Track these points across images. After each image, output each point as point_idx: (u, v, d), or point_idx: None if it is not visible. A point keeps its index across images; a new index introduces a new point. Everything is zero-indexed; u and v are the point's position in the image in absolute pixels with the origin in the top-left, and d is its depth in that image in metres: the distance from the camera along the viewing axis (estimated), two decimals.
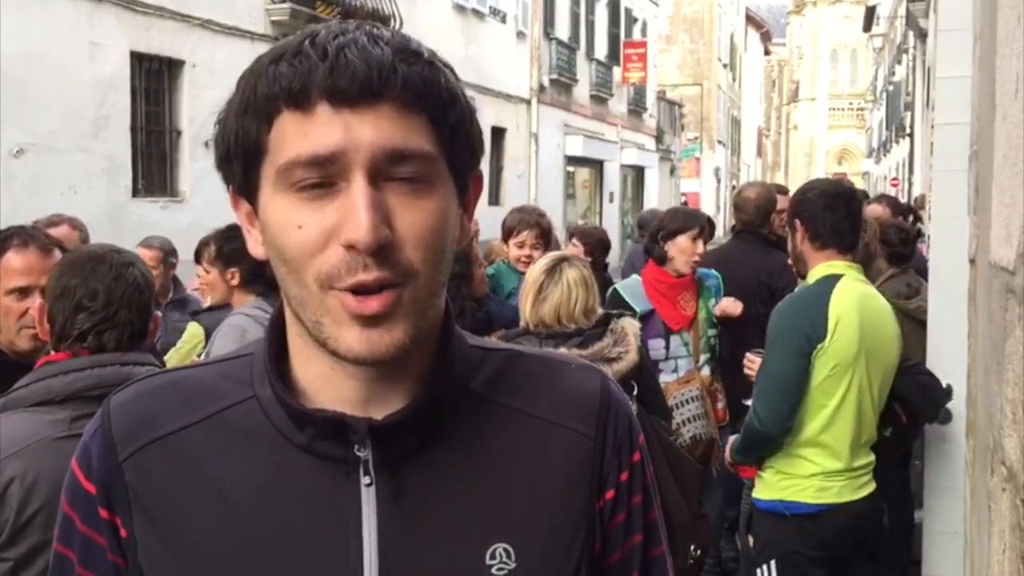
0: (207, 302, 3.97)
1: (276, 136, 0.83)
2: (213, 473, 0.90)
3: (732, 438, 3.39)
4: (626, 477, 0.98)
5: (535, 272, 3.06)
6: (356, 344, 0.83)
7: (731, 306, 4.20)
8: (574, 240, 5.94)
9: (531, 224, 4.67)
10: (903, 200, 14.73)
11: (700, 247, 4.06)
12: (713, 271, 4.32)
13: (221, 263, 3.48)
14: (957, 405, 3.38)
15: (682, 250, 4.01)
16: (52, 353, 1.98)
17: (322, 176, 0.82)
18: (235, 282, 3.47)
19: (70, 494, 0.95)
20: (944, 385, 3.42)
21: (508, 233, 4.74)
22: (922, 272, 5.03)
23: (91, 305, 1.96)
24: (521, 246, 4.64)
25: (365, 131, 0.81)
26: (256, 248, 0.91)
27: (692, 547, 3.05)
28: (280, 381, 0.90)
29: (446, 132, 0.86)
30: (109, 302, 1.96)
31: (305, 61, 0.81)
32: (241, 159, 0.86)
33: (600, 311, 3.07)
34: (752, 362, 3.52)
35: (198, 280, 3.76)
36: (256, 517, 0.89)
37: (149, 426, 0.92)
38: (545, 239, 4.67)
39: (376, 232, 0.80)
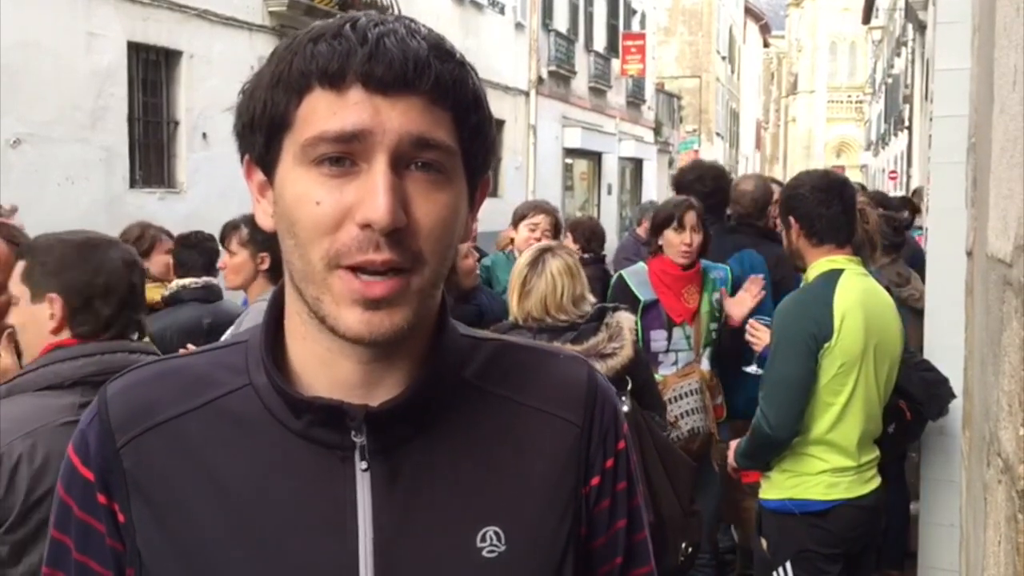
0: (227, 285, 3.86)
1: (305, 111, 0.85)
2: (210, 460, 0.92)
3: (734, 443, 3.37)
4: (611, 464, 1.01)
5: (519, 265, 3.03)
6: (355, 324, 0.85)
7: (735, 307, 4.11)
8: (566, 234, 5.96)
9: (548, 212, 4.68)
10: (901, 192, 14.77)
11: (687, 237, 3.92)
12: (722, 264, 4.28)
13: (253, 246, 3.46)
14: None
15: (670, 243, 3.96)
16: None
17: (345, 152, 0.83)
18: (265, 266, 3.45)
19: (66, 480, 0.96)
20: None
21: (520, 217, 4.70)
22: (910, 261, 5.11)
23: (101, 294, 1.98)
24: (533, 229, 4.62)
25: (393, 117, 0.83)
26: (265, 220, 0.93)
27: (683, 544, 3.03)
28: (275, 368, 0.92)
29: (467, 132, 0.89)
30: (109, 288, 1.99)
31: (345, 43, 0.83)
32: (265, 130, 0.88)
33: (592, 300, 3.03)
34: (757, 329, 3.50)
35: (222, 262, 3.69)
36: (253, 502, 0.90)
37: (147, 413, 0.93)
38: (555, 231, 4.68)
39: (394, 214, 0.82)
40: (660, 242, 3.99)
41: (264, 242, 3.37)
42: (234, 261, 3.55)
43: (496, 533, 0.93)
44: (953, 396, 3.34)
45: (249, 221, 3.47)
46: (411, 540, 0.91)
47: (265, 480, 0.90)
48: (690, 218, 3.91)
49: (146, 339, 2.14)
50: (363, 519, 0.90)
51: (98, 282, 1.97)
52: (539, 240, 4.53)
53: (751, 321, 3.58)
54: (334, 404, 0.89)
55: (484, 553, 0.92)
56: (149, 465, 0.92)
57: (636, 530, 1.05)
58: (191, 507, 0.90)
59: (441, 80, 0.85)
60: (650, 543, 1.08)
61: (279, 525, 0.89)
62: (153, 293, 4.85)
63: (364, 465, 0.90)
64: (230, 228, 3.63)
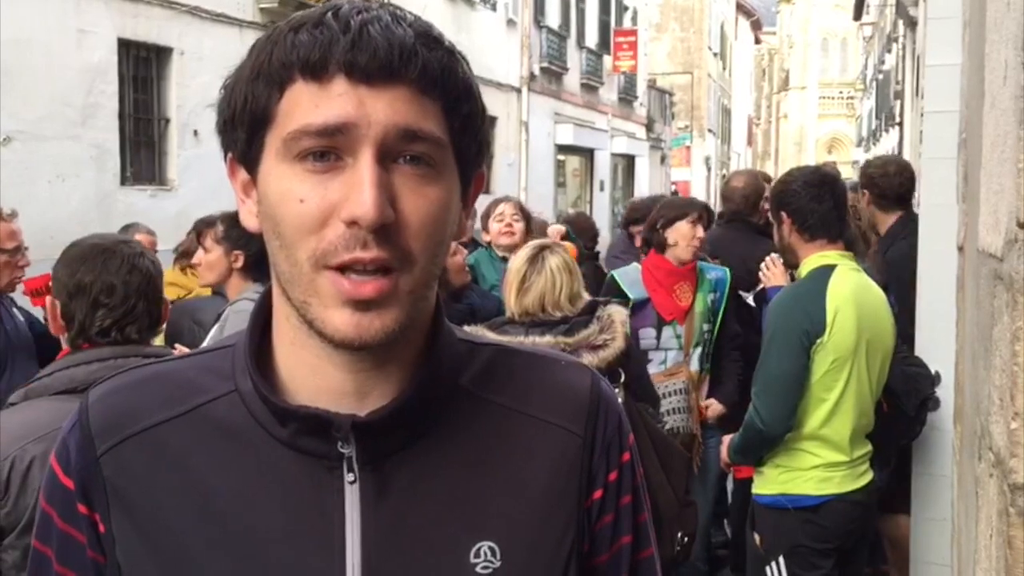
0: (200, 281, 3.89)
1: (287, 104, 0.81)
2: (194, 468, 0.88)
3: (727, 438, 3.38)
4: (615, 477, 0.97)
5: (517, 262, 3.02)
6: (344, 327, 0.82)
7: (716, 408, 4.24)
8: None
9: (507, 200, 4.72)
10: None
11: (700, 231, 4.06)
12: (722, 267, 4.29)
13: (228, 244, 3.43)
14: (945, 392, 3.39)
15: (683, 235, 4.01)
16: (67, 347, 2.00)
17: (329, 147, 0.80)
18: (238, 264, 3.42)
19: (48, 490, 0.93)
20: (933, 372, 3.43)
21: (486, 217, 4.75)
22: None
23: (109, 301, 1.96)
24: (501, 219, 4.64)
25: (379, 108, 0.80)
26: (250, 220, 0.89)
27: (679, 534, 3.04)
28: (261, 375, 0.89)
29: (458, 123, 0.85)
30: (127, 296, 1.97)
31: (326, 32, 0.79)
32: (247, 125, 0.84)
33: (586, 297, 3.04)
34: (774, 265, 3.57)
35: (196, 258, 3.68)
36: (237, 513, 0.87)
37: (128, 420, 0.90)
38: (524, 215, 4.69)
39: (380, 210, 0.78)
40: (667, 234, 4.00)
41: (238, 240, 3.36)
42: (208, 258, 3.53)
43: (491, 548, 0.89)
44: (932, 390, 3.36)
45: (225, 219, 3.46)
46: (401, 555, 0.87)
47: (250, 490, 0.87)
48: (704, 217, 4.12)
49: (158, 341, 2.13)
50: (351, 532, 0.86)
51: (95, 290, 1.97)
52: (510, 227, 4.58)
53: (771, 256, 3.63)
54: (320, 413, 0.85)
55: (478, 569, 0.88)
56: (130, 474, 0.89)
57: (642, 547, 1.00)
58: (173, 517, 0.87)
59: (429, 69, 0.81)
60: (657, 561, 1.03)
61: (263, 537, 0.86)
62: (195, 283, 4.84)
63: (351, 477, 0.86)
64: (205, 224, 3.61)
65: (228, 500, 0.87)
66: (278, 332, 0.91)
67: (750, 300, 3.91)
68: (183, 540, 0.87)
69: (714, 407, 4.18)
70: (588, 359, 2.78)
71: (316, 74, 0.80)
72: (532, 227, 4.82)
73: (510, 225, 4.62)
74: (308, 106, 0.80)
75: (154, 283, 2.03)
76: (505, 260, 4.56)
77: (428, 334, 0.92)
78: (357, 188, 0.79)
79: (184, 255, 4.88)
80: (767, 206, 4.77)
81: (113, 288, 1.96)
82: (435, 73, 0.82)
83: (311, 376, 0.88)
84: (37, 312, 3.67)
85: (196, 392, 0.91)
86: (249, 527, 0.87)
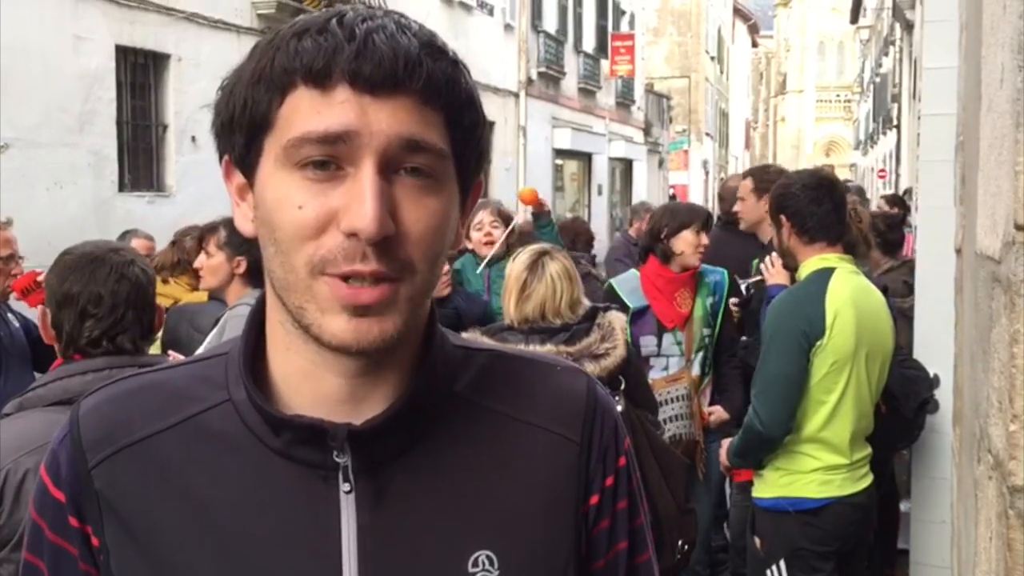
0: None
1: (287, 111, 0.80)
2: (188, 479, 0.87)
3: (726, 441, 3.37)
4: (611, 482, 0.96)
5: (517, 268, 2.98)
6: (341, 332, 0.81)
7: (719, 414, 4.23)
8: None
9: (485, 206, 4.69)
10: (891, 191, 14.85)
11: (704, 238, 4.07)
12: (720, 268, 4.30)
13: (230, 249, 3.44)
14: (944, 394, 3.40)
15: (688, 243, 4.02)
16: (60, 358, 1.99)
17: (330, 155, 0.79)
18: (241, 270, 3.42)
19: (38, 502, 0.92)
20: (931, 375, 3.43)
21: (468, 227, 4.74)
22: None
23: (96, 311, 1.95)
24: (480, 228, 4.63)
25: (381, 118, 0.79)
26: (245, 224, 0.89)
27: (680, 542, 3.03)
28: (255, 383, 0.87)
29: (460, 134, 0.85)
30: (115, 305, 1.96)
31: (331, 39, 0.78)
32: (245, 129, 0.83)
33: (586, 303, 3.02)
34: (775, 264, 3.58)
35: (199, 263, 3.68)
36: (232, 524, 0.86)
37: (120, 431, 0.89)
38: (504, 220, 4.67)
39: (381, 223, 0.78)
40: (672, 244, 4.00)
41: (241, 246, 3.37)
42: (210, 263, 3.53)
43: (488, 557, 0.88)
44: (930, 393, 3.36)
45: (228, 224, 3.45)
46: (398, 564, 0.86)
47: (245, 501, 0.86)
48: (708, 224, 4.17)
49: (155, 349, 2.12)
50: (347, 543, 0.85)
51: (83, 300, 1.95)
52: (489, 235, 4.56)
53: (772, 255, 3.68)
54: (315, 423, 0.84)
55: None
56: (123, 486, 0.87)
57: (638, 552, 1.00)
58: (167, 529, 0.86)
59: (433, 79, 0.80)
60: (654, 565, 1.03)
61: (259, 548, 0.85)
62: (179, 291, 4.83)
63: (347, 487, 0.85)
64: (208, 230, 3.63)
65: (223, 511, 0.86)
66: (272, 339, 0.90)
67: (743, 284, 3.96)
68: (178, 552, 0.86)
69: (719, 413, 4.17)
70: (590, 368, 2.76)
71: (319, 81, 0.79)
72: (515, 229, 4.80)
73: (489, 233, 4.60)
74: (309, 113, 0.79)
75: (144, 291, 2.01)
76: (487, 266, 4.57)
77: (423, 340, 0.91)
78: (358, 199, 0.78)
79: (159, 269, 4.87)
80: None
81: (100, 298, 1.94)
82: (439, 84, 0.81)
83: (306, 383, 0.87)
84: (32, 314, 3.68)
85: (189, 402, 0.90)
86: (244, 538, 0.86)
